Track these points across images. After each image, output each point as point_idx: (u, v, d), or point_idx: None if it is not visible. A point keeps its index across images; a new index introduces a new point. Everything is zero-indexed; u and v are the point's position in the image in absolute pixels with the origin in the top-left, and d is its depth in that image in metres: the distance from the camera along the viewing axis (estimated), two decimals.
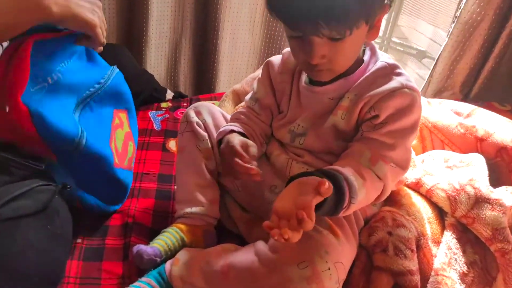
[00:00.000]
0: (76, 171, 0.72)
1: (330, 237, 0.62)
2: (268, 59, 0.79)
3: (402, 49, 2.20)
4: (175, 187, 0.84)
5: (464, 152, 0.83)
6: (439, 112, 0.89)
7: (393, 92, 0.62)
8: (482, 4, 1.16)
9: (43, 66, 0.68)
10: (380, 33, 2.06)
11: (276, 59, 0.78)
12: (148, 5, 1.40)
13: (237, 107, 1.02)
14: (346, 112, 0.66)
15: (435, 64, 1.27)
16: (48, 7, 0.62)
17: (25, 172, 0.62)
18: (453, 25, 1.21)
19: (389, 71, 0.65)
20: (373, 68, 0.66)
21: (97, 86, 0.80)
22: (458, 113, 0.93)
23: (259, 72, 1.12)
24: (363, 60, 0.68)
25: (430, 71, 1.30)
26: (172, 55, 1.61)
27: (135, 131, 0.94)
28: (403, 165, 0.63)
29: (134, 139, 0.92)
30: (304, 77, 0.73)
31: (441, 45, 1.58)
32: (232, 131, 0.73)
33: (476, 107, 0.92)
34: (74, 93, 0.74)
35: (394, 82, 0.63)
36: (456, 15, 1.20)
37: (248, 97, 0.81)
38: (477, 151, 0.81)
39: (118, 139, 0.83)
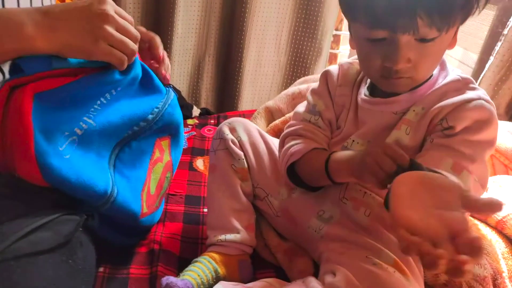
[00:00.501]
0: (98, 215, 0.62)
1: (398, 276, 0.53)
2: (326, 68, 0.71)
3: None
4: (207, 210, 0.76)
5: None
6: (499, 133, 0.81)
7: (469, 102, 0.54)
8: None
9: (65, 116, 0.56)
10: None
11: (334, 69, 0.70)
12: (173, 22, 1.37)
13: (273, 123, 0.95)
14: (411, 126, 0.58)
15: (478, 84, 1.19)
16: (31, 38, 0.51)
17: (45, 200, 0.53)
18: (499, 43, 1.14)
19: (462, 84, 0.57)
20: (443, 81, 0.59)
21: (147, 119, 0.66)
22: None
23: (293, 89, 1.06)
24: (432, 75, 0.60)
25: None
26: (195, 73, 1.56)
27: (177, 158, 0.78)
28: (483, 183, 0.54)
29: (173, 167, 0.78)
30: (363, 90, 0.65)
31: (470, 67, 1.50)
32: (315, 148, 0.63)
33: None
34: (112, 137, 0.63)
35: (470, 94, 0.55)
36: (504, 33, 1.13)
37: (302, 110, 0.71)
38: None
39: (154, 178, 0.70)
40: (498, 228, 0.65)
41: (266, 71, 1.59)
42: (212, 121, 1.11)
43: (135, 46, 0.59)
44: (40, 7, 0.54)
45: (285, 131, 0.71)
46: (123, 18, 0.57)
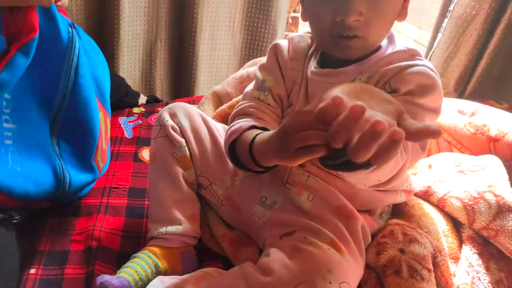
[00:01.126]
0: None
1: (333, 252, 0.52)
2: (275, 42, 0.68)
3: None
4: (148, 202, 0.72)
5: (475, 154, 0.74)
6: (443, 110, 0.81)
7: (413, 67, 0.53)
8: None
9: None
10: None
11: (284, 42, 0.67)
12: (119, 5, 1.29)
13: (220, 108, 0.92)
14: None
15: (428, 61, 1.19)
16: None
17: None
18: (446, 20, 1.14)
19: (408, 55, 0.56)
20: (388, 50, 0.58)
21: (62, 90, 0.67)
22: (461, 112, 0.85)
23: (241, 72, 1.03)
24: (380, 47, 0.59)
25: None
26: (147, 58, 1.50)
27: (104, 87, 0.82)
28: (424, 145, 0.53)
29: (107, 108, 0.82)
30: (313, 63, 0.63)
31: (425, 46, 1.52)
32: (254, 126, 0.59)
33: (481, 105, 0.84)
34: (41, 124, 0.65)
35: (414, 61, 0.55)
36: (449, 9, 1.13)
37: (251, 88, 0.68)
38: (490, 153, 0.73)
39: (103, 132, 0.74)
40: (440, 206, 0.65)
41: (221, 55, 1.55)
42: (159, 109, 1.06)
43: None
44: None
45: (233, 111, 0.67)
46: None
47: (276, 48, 0.67)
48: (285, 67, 0.65)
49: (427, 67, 0.54)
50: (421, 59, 0.56)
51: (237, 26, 1.50)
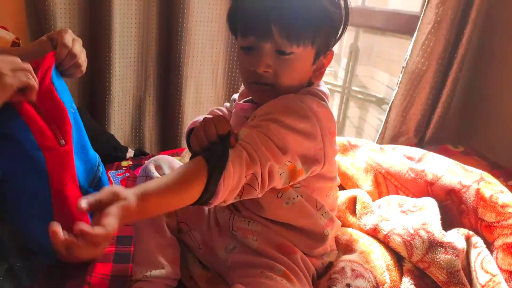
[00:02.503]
0: None
1: (285, 283, 0.61)
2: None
3: (362, 96, 2.30)
4: (134, 247, 0.81)
5: (417, 196, 0.85)
6: (392, 158, 0.93)
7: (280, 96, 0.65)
8: (425, 55, 1.25)
9: None
10: (341, 83, 2.16)
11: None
12: (110, 64, 1.43)
13: None
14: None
15: (389, 111, 1.33)
16: None
17: None
18: (401, 75, 1.29)
19: (305, 92, 0.66)
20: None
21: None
22: (410, 158, 0.96)
23: None
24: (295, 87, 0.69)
25: (384, 117, 1.36)
26: (136, 112, 1.62)
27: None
28: (282, 146, 0.59)
29: None
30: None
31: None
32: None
33: (427, 151, 0.96)
34: None
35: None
36: (403, 65, 1.28)
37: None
38: (428, 195, 0.84)
39: None
40: (385, 242, 0.75)
41: (206, 107, 1.68)
42: (146, 161, 1.17)
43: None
44: None
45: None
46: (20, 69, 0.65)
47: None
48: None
49: (298, 98, 0.63)
50: (307, 93, 0.66)
51: (219, 80, 1.65)
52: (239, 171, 0.56)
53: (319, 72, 0.68)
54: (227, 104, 0.85)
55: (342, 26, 0.67)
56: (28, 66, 0.67)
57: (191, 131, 0.74)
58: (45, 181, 0.71)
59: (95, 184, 0.83)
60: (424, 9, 1.20)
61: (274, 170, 0.59)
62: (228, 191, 0.56)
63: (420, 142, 1.37)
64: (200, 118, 0.75)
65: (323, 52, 0.67)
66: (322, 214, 0.70)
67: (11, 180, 0.72)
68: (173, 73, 1.55)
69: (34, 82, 0.67)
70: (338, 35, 0.68)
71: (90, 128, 1.13)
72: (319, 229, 0.70)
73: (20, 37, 1.26)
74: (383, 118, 1.31)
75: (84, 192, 0.77)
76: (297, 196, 0.68)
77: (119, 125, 1.57)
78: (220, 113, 0.80)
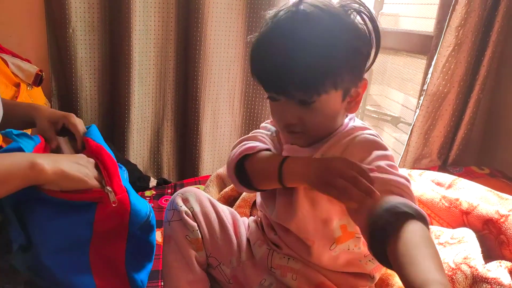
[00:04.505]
0: None
1: None
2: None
3: (377, 116, 2.29)
4: (163, 282, 0.79)
5: (452, 226, 0.83)
6: (422, 185, 0.91)
7: (353, 138, 0.63)
8: (446, 77, 1.24)
9: None
10: None
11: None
12: (130, 93, 1.45)
13: (224, 190, 1.02)
14: None
15: (410, 133, 1.32)
16: (42, 167, 0.62)
17: None
18: (422, 97, 1.28)
19: (355, 130, 0.66)
20: (342, 130, 0.67)
21: None
22: (439, 184, 0.94)
23: None
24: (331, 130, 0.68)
25: (407, 139, 1.34)
26: (155, 139, 1.63)
27: None
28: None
29: None
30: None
31: (412, 110, 1.65)
32: (269, 149, 0.69)
33: (457, 177, 0.94)
34: None
35: (355, 134, 0.64)
36: (424, 88, 1.27)
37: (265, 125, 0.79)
38: (464, 224, 0.81)
39: None
40: None
41: (223, 132, 1.68)
42: (169, 191, 1.16)
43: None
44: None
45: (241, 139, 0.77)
46: None
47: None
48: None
49: (365, 133, 0.64)
50: (363, 130, 0.65)
51: (236, 105, 1.65)
52: None
53: (354, 103, 0.65)
54: (267, 132, 0.77)
55: (374, 51, 0.64)
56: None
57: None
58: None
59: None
60: (444, 33, 1.20)
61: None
62: None
63: (444, 164, 1.34)
64: (254, 144, 0.70)
65: (354, 86, 0.63)
66: (369, 260, 0.68)
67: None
68: (191, 100, 1.57)
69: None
70: (370, 62, 0.65)
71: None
72: (366, 272, 0.69)
73: (42, 69, 1.29)
74: (399, 136, 1.29)
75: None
76: (349, 248, 0.67)
77: (138, 152, 1.58)
78: (268, 144, 0.73)
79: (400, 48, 1.98)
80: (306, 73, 0.58)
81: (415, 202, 0.53)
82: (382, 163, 0.58)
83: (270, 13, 0.63)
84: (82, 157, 0.71)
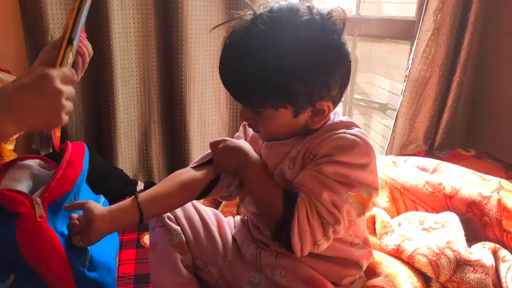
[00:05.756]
0: None
1: None
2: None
3: (364, 104, 2.29)
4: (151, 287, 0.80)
5: (437, 210, 0.83)
6: (406, 171, 0.91)
7: (331, 136, 0.63)
8: (427, 62, 1.24)
9: None
10: None
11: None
12: (114, 96, 1.43)
13: None
14: (292, 162, 0.66)
15: (396, 120, 1.32)
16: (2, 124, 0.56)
17: None
18: (404, 83, 1.28)
19: (340, 126, 0.65)
20: (325, 124, 0.67)
21: None
22: (424, 169, 0.95)
23: None
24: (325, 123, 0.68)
25: (392, 127, 1.35)
26: (143, 141, 1.62)
27: None
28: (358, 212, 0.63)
29: None
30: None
31: (399, 96, 1.65)
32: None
33: (440, 161, 0.94)
34: None
35: (338, 131, 0.64)
36: (406, 74, 1.28)
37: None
38: (448, 208, 0.82)
39: None
40: (410, 263, 0.73)
41: (211, 130, 1.67)
42: None
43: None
44: None
45: None
46: (68, 80, 0.62)
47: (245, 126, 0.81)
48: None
49: (347, 133, 0.62)
50: (349, 127, 0.65)
51: (222, 102, 1.65)
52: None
53: (318, 119, 0.64)
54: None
55: (338, 72, 0.61)
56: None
57: None
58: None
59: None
60: (422, 17, 1.20)
61: (337, 200, 0.60)
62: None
63: (430, 148, 1.35)
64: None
65: (309, 107, 0.62)
66: (358, 248, 0.69)
67: None
68: (176, 99, 1.55)
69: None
70: (336, 83, 0.61)
71: (99, 167, 1.13)
72: (354, 259, 0.69)
73: None
74: (388, 123, 1.30)
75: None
76: None
77: (126, 156, 1.57)
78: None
79: (384, 34, 1.98)
80: (239, 89, 0.63)
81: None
82: (329, 168, 0.60)
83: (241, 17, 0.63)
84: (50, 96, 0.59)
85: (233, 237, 0.79)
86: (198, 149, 1.65)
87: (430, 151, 1.32)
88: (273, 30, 0.58)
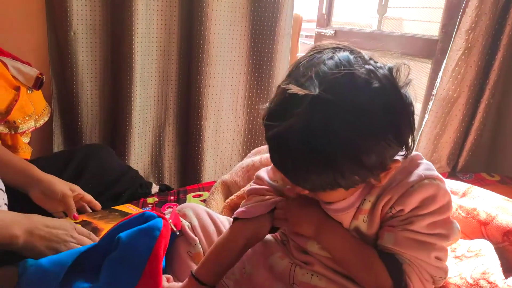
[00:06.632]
0: None
1: None
2: None
3: None
4: None
5: (469, 237, 0.80)
6: None
7: (412, 187, 0.58)
8: (456, 82, 1.21)
9: None
10: None
11: None
12: (132, 96, 1.42)
13: (229, 198, 0.99)
14: (368, 215, 0.62)
15: (419, 139, 1.29)
16: (17, 241, 0.69)
17: None
18: (431, 102, 1.25)
19: (407, 164, 0.60)
20: None
21: None
22: (453, 192, 0.91)
23: (247, 161, 1.11)
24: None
25: (415, 146, 1.31)
26: (156, 143, 1.60)
27: None
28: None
29: None
30: None
31: (417, 115, 1.62)
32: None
33: (471, 185, 0.90)
34: None
35: (413, 176, 0.59)
36: (433, 93, 1.25)
37: (267, 179, 0.73)
38: (482, 235, 0.78)
39: None
40: None
41: (226, 136, 1.65)
42: (172, 198, 1.13)
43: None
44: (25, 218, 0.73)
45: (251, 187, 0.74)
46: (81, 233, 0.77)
47: None
48: None
49: (426, 177, 0.58)
50: (419, 164, 0.60)
51: (239, 109, 1.62)
52: None
53: (385, 176, 0.56)
54: (272, 184, 0.73)
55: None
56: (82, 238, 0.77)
57: None
58: None
59: None
60: (454, 36, 1.18)
61: (441, 254, 0.60)
62: None
63: (453, 170, 1.31)
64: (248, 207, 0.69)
65: (379, 172, 0.55)
66: None
67: None
68: (193, 103, 1.54)
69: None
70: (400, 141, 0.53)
71: (116, 166, 1.10)
72: None
73: (43, 72, 1.26)
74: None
75: None
76: None
77: (139, 157, 1.55)
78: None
79: (404, 52, 1.95)
80: (306, 182, 0.55)
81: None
82: (422, 223, 0.58)
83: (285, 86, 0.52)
84: (66, 230, 0.75)
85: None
86: (212, 155, 1.63)
87: (453, 174, 1.28)
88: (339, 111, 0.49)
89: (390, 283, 0.58)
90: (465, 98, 1.23)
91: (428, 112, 1.26)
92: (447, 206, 0.59)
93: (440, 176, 0.60)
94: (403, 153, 0.56)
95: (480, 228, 0.79)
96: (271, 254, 0.71)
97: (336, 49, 0.53)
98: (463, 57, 1.18)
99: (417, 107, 2.04)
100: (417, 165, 0.61)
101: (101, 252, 0.66)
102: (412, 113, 0.54)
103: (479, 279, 0.65)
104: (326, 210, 0.64)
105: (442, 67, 1.21)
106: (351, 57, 0.51)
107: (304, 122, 0.49)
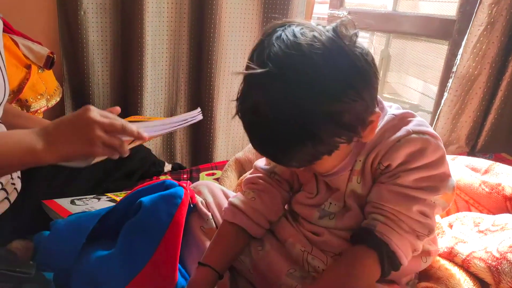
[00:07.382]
0: None
1: None
2: None
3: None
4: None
5: (493, 212, 0.77)
6: (457, 169, 0.85)
7: (399, 141, 0.57)
8: (477, 59, 1.17)
9: None
10: None
11: None
12: (143, 78, 1.40)
13: (243, 176, 0.97)
14: (359, 175, 0.61)
15: (437, 119, 1.25)
16: (40, 153, 0.62)
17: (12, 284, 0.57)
18: (450, 80, 1.21)
19: (398, 121, 0.59)
20: (380, 124, 0.60)
21: None
22: (475, 169, 0.88)
23: None
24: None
25: (432, 126, 1.28)
26: None
27: None
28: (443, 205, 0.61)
29: None
30: None
31: (432, 98, 1.58)
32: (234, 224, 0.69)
33: (494, 162, 0.87)
34: None
35: (401, 132, 0.58)
36: (453, 70, 1.21)
37: (262, 165, 0.73)
38: (507, 211, 0.75)
39: None
40: (465, 267, 0.67)
41: (237, 118, 1.62)
42: (185, 176, 1.12)
43: (121, 139, 0.68)
44: (39, 129, 0.66)
45: (247, 177, 0.74)
46: (106, 117, 0.66)
47: None
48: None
49: (414, 132, 0.57)
50: (409, 121, 0.59)
51: None
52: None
53: (369, 131, 0.56)
54: (265, 167, 0.73)
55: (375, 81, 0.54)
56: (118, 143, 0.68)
57: None
58: None
59: None
60: (476, 10, 1.13)
61: (426, 209, 0.58)
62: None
63: (472, 150, 1.28)
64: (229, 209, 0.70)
65: (360, 130, 0.54)
66: (427, 244, 0.64)
67: None
68: (204, 84, 1.51)
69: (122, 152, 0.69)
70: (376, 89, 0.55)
71: None
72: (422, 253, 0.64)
73: (54, 52, 1.25)
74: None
75: None
76: None
77: None
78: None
79: (420, 33, 1.90)
80: (284, 158, 0.55)
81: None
82: (408, 178, 0.57)
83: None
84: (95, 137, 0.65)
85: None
86: (223, 137, 1.61)
87: (472, 154, 1.25)
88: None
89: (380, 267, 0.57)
90: (486, 76, 1.18)
91: (447, 91, 1.22)
92: (438, 161, 0.58)
93: (434, 132, 0.59)
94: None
95: (506, 203, 0.76)
96: (285, 241, 0.69)
97: (283, 26, 0.54)
98: (485, 32, 1.14)
99: (432, 89, 2.00)
100: (407, 122, 0.60)
101: (119, 216, 0.65)
102: (365, 65, 0.52)
103: (507, 253, 0.63)
104: (324, 179, 0.65)
105: (463, 43, 1.17)
106: (297, 29, 0.52)
107: (266, 98, 0.51)
